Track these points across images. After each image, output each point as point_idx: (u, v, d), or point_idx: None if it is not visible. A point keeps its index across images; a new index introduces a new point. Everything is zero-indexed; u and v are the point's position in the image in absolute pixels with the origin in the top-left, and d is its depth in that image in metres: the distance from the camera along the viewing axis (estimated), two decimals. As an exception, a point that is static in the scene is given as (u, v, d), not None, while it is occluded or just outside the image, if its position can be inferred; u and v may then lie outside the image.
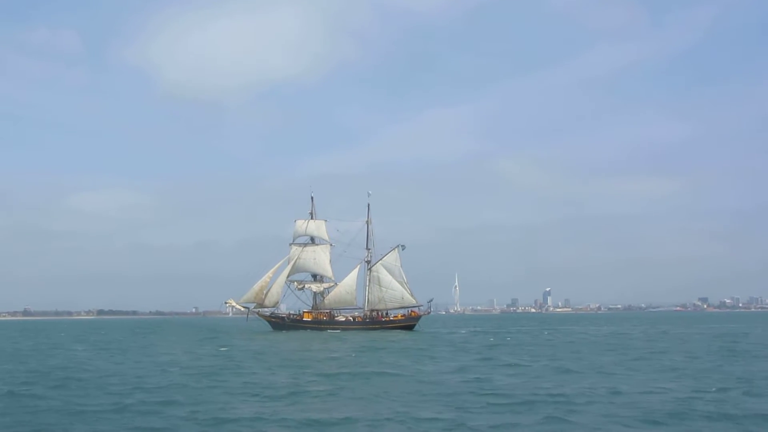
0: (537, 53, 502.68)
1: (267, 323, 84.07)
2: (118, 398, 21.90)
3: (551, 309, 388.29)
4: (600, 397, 21.83)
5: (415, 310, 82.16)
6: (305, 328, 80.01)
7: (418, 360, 37.06)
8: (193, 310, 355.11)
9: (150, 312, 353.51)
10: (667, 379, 26.48)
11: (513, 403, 20.61)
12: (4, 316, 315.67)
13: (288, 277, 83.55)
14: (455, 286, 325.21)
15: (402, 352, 43.96)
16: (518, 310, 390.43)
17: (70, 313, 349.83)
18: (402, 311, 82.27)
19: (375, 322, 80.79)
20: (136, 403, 20.97)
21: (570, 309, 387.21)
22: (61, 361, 38.59)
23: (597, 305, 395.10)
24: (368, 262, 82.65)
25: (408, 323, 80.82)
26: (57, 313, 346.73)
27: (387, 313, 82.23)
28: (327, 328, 79.58)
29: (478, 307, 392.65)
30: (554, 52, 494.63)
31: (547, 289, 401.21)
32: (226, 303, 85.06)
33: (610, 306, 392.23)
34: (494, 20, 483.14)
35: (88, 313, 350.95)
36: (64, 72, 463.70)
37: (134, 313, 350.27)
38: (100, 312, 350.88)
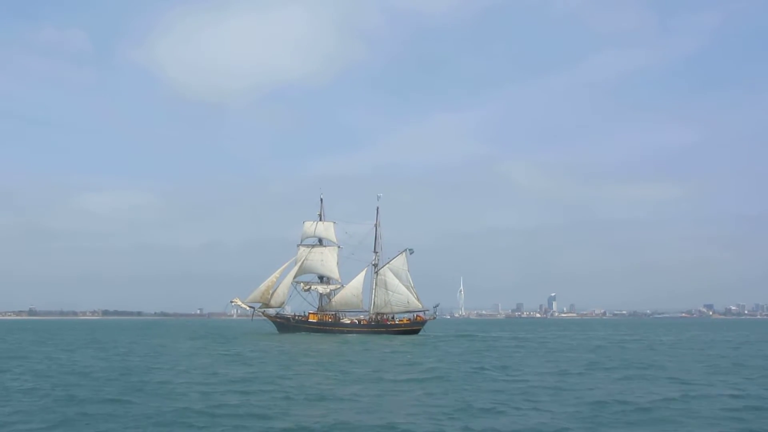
0: (543, 57, 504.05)
1: (272, 324, 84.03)
2: (186, 403, 20.88)
3: (556, 314, 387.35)
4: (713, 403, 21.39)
5: (421, 314, 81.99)
6: (310, 330, 79.87)
7: (462, 364, 35.51)
8: (198, 311, 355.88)
9: (155, 313, 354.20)
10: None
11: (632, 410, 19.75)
12: (9, 316, 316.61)
13: (295, 277, 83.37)
14: (460, 291, 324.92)
15: (441, 357, 42.05)
16: (523, 315, 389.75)
17: (75, 313, 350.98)
18: (408, 315, 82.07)
19: (380, 325, 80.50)
20: (213, 409, 19.78)
21: (575, 314, 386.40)
22: (101, 363, 36.73)
23: (602, 311, 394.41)
24: (375, 265, 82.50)
25: (413, 327, 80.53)
26: (62, 313, 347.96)
27: (393, 317, 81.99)
28: (334, 331, 79.42)
29: (483, 312, 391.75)
30: (561, 56, 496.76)
31: (552, 295, 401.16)
32: (231, 302, 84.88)
33: (615, 312, 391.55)
34: (501, 24, 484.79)
35: (93, 313, 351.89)
36: (72, 71, 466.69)
37: (139, 313, 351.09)
38: (105, 312, 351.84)
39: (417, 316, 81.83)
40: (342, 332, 78.71)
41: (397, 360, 39.40)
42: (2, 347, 54.03)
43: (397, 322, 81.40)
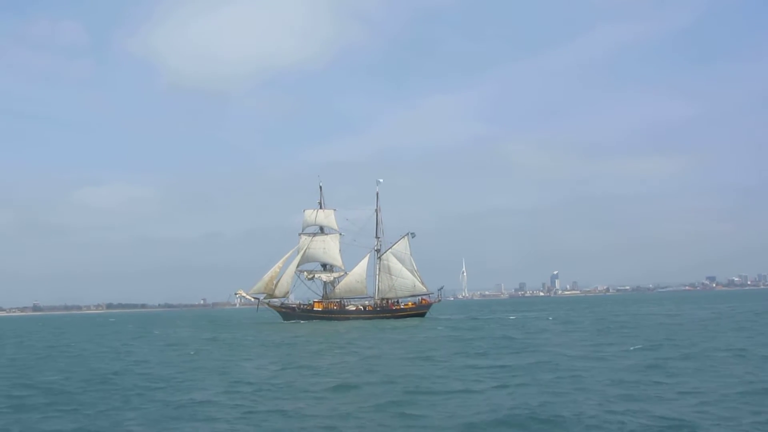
0: (539, 34, 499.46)
1: (277, 313, 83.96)
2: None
3: (559, 292, 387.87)
4: None
5: (426, 297, 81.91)
6: (316, 318, 79.79)
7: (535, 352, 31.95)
8: (201, 301, 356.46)
9: (159, 305, 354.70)
10: None
11: None
12: (14, 312, 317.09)
13: (298, 266, 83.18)
14: (463, 272, 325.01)
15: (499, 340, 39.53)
16: (526, 294, 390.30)
17: (79, 308, 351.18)
18: (412, 299, 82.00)
19: (386, 310, 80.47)
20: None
21: (578, 291, 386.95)
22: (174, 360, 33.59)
23: (605, 287, 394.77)
24: (378, 250, 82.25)
25: (419, 311, 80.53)
26: (66, 308, 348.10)
27: (398, 302, 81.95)
28: (339, 318, 79.28)
29: (486, 292, 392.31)
30: (556, 32, 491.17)
31: (555, 272, 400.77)
32: (236, 294, 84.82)
33: (618, 287, 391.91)
34: (496, 1, 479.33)
35: (97, 307, 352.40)
36: (67, 65, 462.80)
37: (143, 306, 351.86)
38: (109, 306, 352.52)
39: (422, 299, 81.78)
40: (348, 319, 78.63)
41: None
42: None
43: (402, 307, 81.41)
